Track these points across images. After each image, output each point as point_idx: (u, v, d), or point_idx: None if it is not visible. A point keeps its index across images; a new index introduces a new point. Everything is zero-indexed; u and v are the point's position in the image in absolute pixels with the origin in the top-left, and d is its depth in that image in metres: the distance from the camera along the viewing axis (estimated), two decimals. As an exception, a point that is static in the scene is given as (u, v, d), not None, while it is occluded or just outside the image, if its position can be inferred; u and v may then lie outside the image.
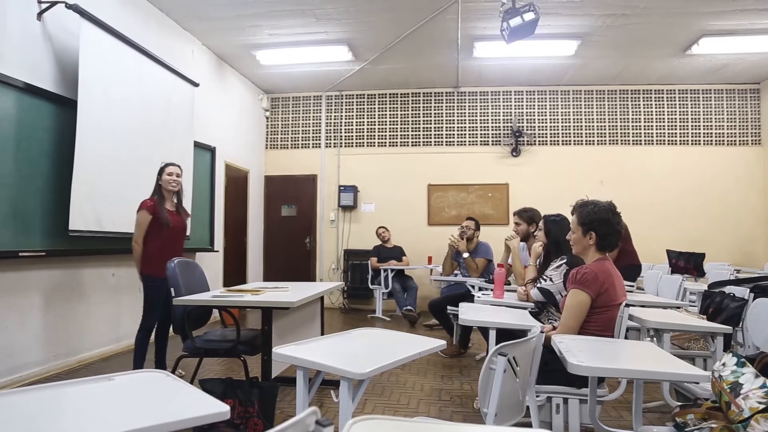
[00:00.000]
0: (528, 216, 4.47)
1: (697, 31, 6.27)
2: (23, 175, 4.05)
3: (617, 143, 8.40)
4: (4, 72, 3.86)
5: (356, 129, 8.99)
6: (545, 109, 8.58)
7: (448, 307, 5.26)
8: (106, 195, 4.73)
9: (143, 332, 3.97)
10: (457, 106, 8.77)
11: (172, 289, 3.33)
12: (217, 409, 1.18)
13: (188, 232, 4.28)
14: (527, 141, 8.50)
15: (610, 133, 8.42)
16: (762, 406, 1.55)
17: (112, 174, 4.82)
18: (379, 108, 8.95)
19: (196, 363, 3.77)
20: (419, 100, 8.87)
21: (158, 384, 1.40)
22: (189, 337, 3.37)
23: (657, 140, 8.33)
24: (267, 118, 9.20)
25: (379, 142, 8.92)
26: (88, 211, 4.52)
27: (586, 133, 8.47)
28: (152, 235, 3.98)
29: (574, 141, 8.49)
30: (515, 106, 8.64)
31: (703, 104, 8.27)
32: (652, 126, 8.35)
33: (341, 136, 9.01)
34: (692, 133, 8.27)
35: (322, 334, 4.23)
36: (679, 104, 8.32)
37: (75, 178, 4.33)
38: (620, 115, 8.42)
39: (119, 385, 1.38)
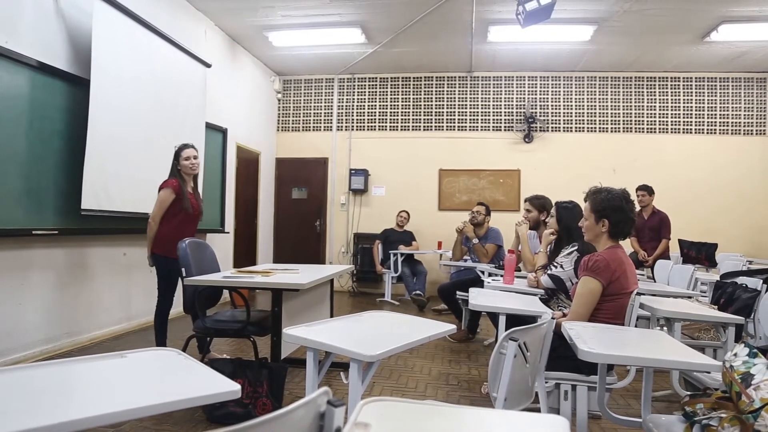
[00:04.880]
0: (540, 203, 4.45)
1: (717, 17, 6.15)
2: (36, 154, 4.07)
3: (631, 131, 8.31)
4: (18, 50, 3.87)
5: (368, 112, 8.95)
6: (559, 95, 8.49)
7: (458, 293, 5.26)
8: (118, 174, 4.75)
9: (160, 315, 3.95)
10: (470, 91, 8.70)
11: (183, 269, 3.35)
12: (228, 387, 1.18)
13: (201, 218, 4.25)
14: (540, 127, 8.43)
15: (624, 121, 8.33)
16: (773, 397, 1.54)
17: (124, 153, 4.83)
18: (391, 91, 8.89)
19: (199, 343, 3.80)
20: (432, 84, 8.80)
21: (170, 362, 1.41)
22: (200, 317, 3.40)
23: (671, 129, 8.23)
24: (279, 100, 9.18)
25: (390, 126, 8.88)
26: (100, 191, 4.54)
27: (599, 120, 8.39)
28: (169, 216, 3.92)
29: (588, 128, 8.41)
30: (529, 91, 8.55)
31: (720, 93, 8.15)
32: (666, 114, 8.25)
33: (353, 120, 8.98)
34: (707, 122, 8.16)
35: (332, 316, 4.24)
36: (695, 92, 8.20)
37: (87, 158, 4.35)
38: (635, 102, 8.31)
39: (131, 362, 1.40)
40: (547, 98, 8.51)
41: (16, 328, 4.01)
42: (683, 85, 8.22)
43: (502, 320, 2.69)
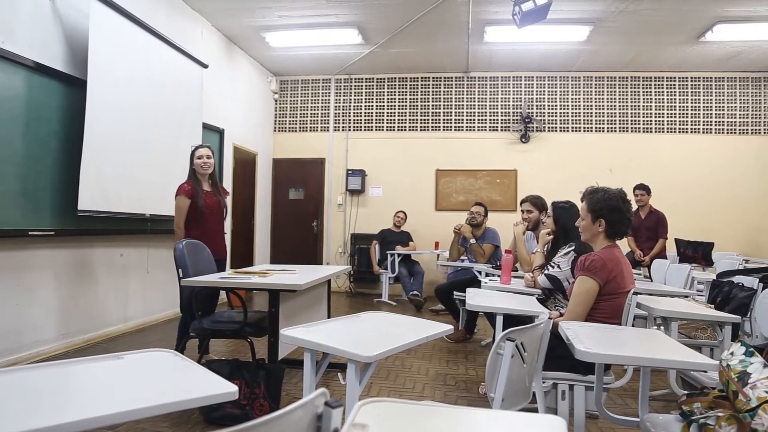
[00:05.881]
0: (541, 203, 4.45)
1: (712, 17, 6.17)
2: (33, 155, 4.07)
3: (627, 131, 8.32)
4: (15, 51, 3.86)
5: (365, 113, 8.95)
6: (555, 95, 8.50)
7: (455, 293, 5.26)
8: (114, 175, 4.74)
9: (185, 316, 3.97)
10: (467, 91, 8.71)
11: (179, 270, 3.35)
12: (225, 389, 1.18)
13: (227, 212, 4.29)
14: (537, 127, 8.44)
15: (620, 121, 8.35)
16: (770, 396, 1.55)
17: (121, 154, 4.83)
18: (388, 92, 8.90)
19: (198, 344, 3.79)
20: (429, 85, 8.81)
21: (167, 363, 1.40)
22: (197, 318, 3.39)
23: (668, 128, 8.25)
24: (276, 100, 9.17)
25: (387, 126, 8.88)
26: (97, 191, 4.53)
27: (596, 120, 8.40)
28: (194, 221, 3.97)
29: (584, 128, 8.42)
30: (525, 91, 8.56)
31: (716, 92, 8.17)
32: (662, 114, 8.27)
33: (350, 120, 8.98)
34: (703, 122, 8.18)
35: (329, 317, 4.24)
36: (691, 92, 8.22)
37: (84, 158, 4.34)
38: (631, 102, 8.33)
39: (128, 363, 1.39)
40: (544, 98, 8.52)
41: (13, 330, 4.00)
42: (679, 85, 8.24)
43: (499, 320, 2.69)
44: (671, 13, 6.08)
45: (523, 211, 4.54)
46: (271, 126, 9.14)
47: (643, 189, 6.37)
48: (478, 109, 8.67)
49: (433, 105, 8.78)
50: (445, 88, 8.77)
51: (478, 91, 8.68)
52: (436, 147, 8.70)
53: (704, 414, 1.67)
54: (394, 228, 8.02)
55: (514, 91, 8.59)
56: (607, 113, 8.38)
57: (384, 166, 8.81)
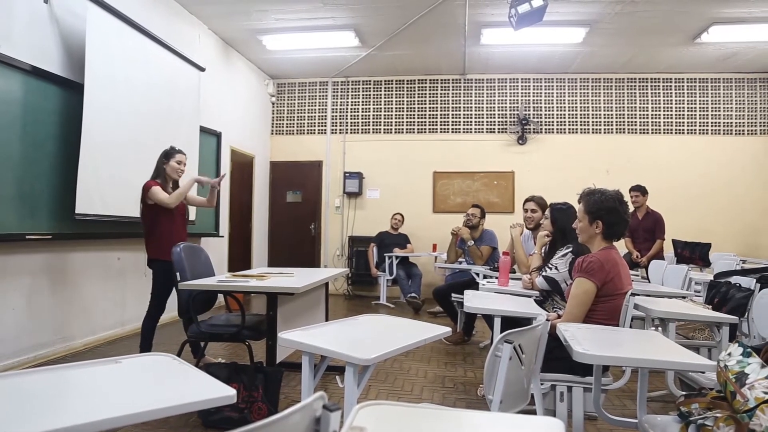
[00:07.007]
0: (544, 203, 4.46)
1: (708, 18, 6.19)
2: (30, 158, 4.06)
3: (624, 132, 8.34)
4: (11, 55, 3.85)
5: (362, 115, 8.95)
6: (552, 97, 8.52)
7: (453, 295, 5.26)
8: (112, 179, 4.73)
9: (151, 319, 3.94)
10: (464, 93, 8.72)
11: (177, 274, 3.34)
12: (223, 392, 1.18)
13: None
14: (534, 129, 8.45)
15: (617, 122, 8.37)
16: (767, 396, 1.55)
17: (118, 158, 4.82)
18: (385, 94, 8.90)
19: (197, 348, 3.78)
20: (426, 87, 8.82)
21: (165, 367, 1.40)
22: (194, 322, 3.39)
23: (664, 129, 8.27)
24: (273, 103, 9.17)
25: (385, 129, 8.89)
26: (95, 195, 4.53)
27: (593, 122, 8.42)
28: (160, 219, 3.95)
29: (581, 129, 8.44)
30: (522, 93, 8.58)
31: (712, 93, 8.20)
32: (659, 115, 8.29)
33: (347, 122, 8.98)
34: (700, 122, 8.21)
35: (327, 320, 4.24)
36: (688, 93, 8.24)
37: (81, 162, 4.33)
38: (628, 103, 8.35)
39: (126, 367, 1.39)
40: (541, 100, 8.54)
41: (9, 334, 3.99)
42: (675, 86, 8.26)
43: (497, 322, 2.69)
44: (667, 15, 6.10)
45: (527, 210, 4.53)
46: (269, 129, 9.14)
47: (638, 190, 6.38)
48: (475, 111, 8.68)
49: (430, 107, 8.79)
50: (442, 90, 8.78)
51: (475, 93, 8.69)
52: (434, 149, 8.70)
53: (702, 415, 1.67)
54: (392, 230, 8.02)
55: (510, 93, 8.61)
56: (604, 115, 8.40)
57: (381, 168, 8.82)
